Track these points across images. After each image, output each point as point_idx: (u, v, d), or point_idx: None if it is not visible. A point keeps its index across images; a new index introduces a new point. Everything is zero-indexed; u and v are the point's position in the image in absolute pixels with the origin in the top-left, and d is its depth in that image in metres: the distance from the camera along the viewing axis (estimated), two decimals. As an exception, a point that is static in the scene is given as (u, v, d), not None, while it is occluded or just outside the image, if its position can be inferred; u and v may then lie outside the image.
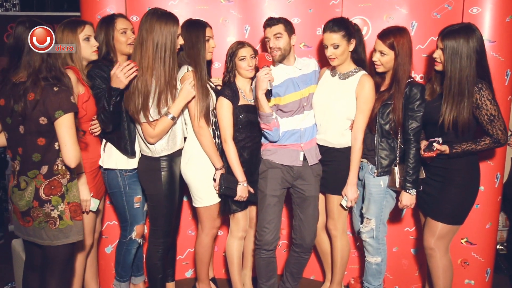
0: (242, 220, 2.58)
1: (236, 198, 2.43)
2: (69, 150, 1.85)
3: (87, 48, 2.27)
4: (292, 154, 2.43)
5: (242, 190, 2.42)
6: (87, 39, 2.27)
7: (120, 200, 2.46)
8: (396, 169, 2.32)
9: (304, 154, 2.43)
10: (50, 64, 1.87)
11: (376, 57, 2.33)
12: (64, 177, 1.94)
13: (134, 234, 2.52)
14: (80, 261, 2.41)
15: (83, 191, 2.19)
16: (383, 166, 2.36)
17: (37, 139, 1.88)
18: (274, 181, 2.43)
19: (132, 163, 2.43)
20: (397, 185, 2.32)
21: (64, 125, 1.84)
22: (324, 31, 2.34)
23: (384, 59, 2.30)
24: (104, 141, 2.41)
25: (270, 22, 2.37)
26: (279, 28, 2.34)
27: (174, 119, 2.28)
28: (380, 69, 2.36)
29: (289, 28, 2.38)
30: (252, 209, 2.68)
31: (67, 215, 1.94)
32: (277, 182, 2.43)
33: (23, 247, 2.72)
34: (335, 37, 2.30)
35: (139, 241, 2.57)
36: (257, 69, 2.46)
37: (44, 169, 1.91)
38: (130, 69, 2.17)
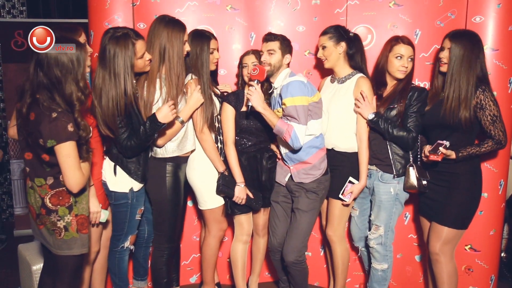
0: (246, 224, 2.59)
1: (234, 199, 2.45)
2: (68, 178, 1.81)
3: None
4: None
5: (240, 191, 2.44)
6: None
7: (124, 211, 2.40)
8: (411, 169, 2.36)
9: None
10: (55, 86, 1.77)
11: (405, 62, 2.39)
12: None
13: (127, 243, 2.49)
14: (86, 269, 2.38)
15: (93, 203, 2.17)
16: (399, 168, 2.40)
17: (41, 155, 1.84)
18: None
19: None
20: (415, 185, 2.35)
21: (61, 154, 1.78)
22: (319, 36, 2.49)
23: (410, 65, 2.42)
24: (112, 164, 2.33)
25: (268, 37, 2.41)
26: (275, 44, 2.38)
27: (183, 123, 2.33)
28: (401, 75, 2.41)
29: (285, 47, 2.40)
30: (259, 216, 2.69)
31: (73, 227, 1.91)
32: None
33: (29, 252, 2.75)
34: (322, 39, 2.45)
35: (131, 247, 2.54)
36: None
37: (50, 180, 1.88)
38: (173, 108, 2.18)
